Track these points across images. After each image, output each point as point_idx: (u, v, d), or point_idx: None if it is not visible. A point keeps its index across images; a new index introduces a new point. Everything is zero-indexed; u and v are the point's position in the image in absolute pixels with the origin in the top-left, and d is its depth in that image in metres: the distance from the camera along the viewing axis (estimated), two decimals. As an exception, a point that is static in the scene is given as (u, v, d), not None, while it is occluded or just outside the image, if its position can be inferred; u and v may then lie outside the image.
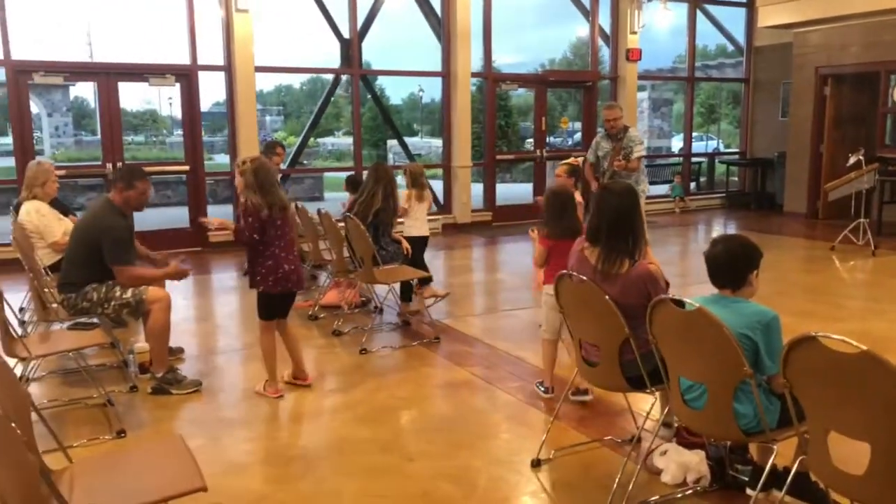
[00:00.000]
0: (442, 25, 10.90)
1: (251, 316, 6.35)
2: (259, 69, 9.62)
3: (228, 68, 9.50)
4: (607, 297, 3.02)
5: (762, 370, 2.66)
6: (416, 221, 6.32)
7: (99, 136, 10.61)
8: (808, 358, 2.23)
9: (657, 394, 3.25)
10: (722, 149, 21.21)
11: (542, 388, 4.34)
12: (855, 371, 2.09)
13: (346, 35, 10.43)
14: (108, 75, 9.04)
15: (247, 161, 4.23)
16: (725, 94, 25.64)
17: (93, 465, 2.43)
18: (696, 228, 11.63)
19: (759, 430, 2.64)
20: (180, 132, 13.57)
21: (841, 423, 2.22)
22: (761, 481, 2.65)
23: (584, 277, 3.14)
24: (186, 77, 9.37)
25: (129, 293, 4.31)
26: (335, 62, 10.80)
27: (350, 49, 10.43)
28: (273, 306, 4.37)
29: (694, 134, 22.96)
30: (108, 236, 4.31)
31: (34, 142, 9.32)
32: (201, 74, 9.48)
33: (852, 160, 9.01)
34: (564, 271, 3.26)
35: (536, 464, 3.46)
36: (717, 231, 11.48)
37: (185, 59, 9.35)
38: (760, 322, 2.67)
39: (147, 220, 9.85)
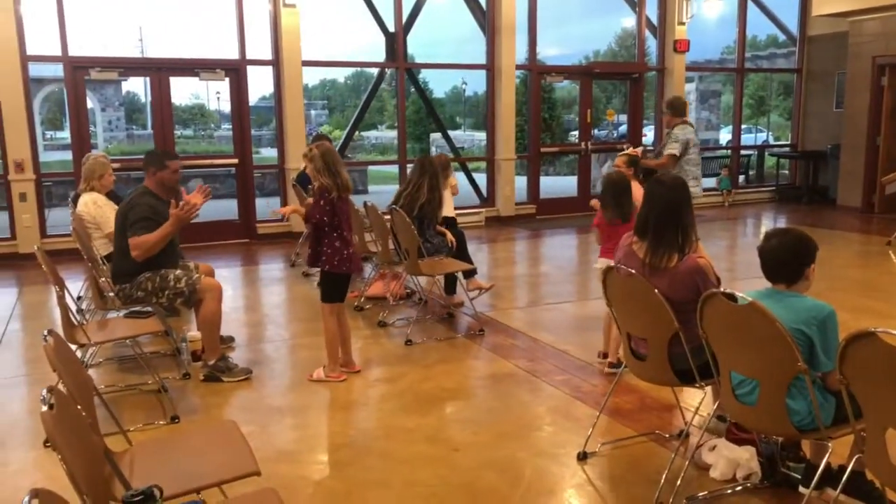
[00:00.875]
0: (487, 18, 10.88)
1: (299, 306, 6.47)
2: (306, 63, 9.73)
3: (276, 62, 9.64)
4: (656, 290, 3.00)
5: (817, 367, 2.61)
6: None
7: (150, 130, 10.84)
8: (867, 354, 2.18)
9: (707, 389, 3.21)
10: (771, 141, 20.74)
11: (607, 363, 4.58)
12: (916, 367, 2.04)
13: (392, 29, 10.48)
14: (160, 70, 9.26)
15: (313, 148, 4.46)
16: (776, 85, 25.05)
17: (151, 447, 2.52)
18: (745, 222, 11.41)
19: (813, 426, 2.59)
20: (228, 126, 13.83)
21: (900, 421, 2.17)
22: (815, 479, 2.60)
23: (632, 271, 3.12)
24: (235, 71, 9.53)
25: (182, 282, 4.42)
26: (380, 56, 10.86)
27: (395, 43, 10.48)
28: (338, 287, 4.53)
29: (744, 126, 22.56)
30: (133, 213, 4.38)
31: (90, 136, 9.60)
32: (249, 69, 9.64)
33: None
34: (612, 264, 3.24)
35: (583, 457, 3.46)
36: (767, 225, 11.25)
37: (233, 54, 9.52)
38: (816, 318, 2.62)
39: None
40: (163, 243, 4.35)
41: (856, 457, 2.43)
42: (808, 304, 2.68)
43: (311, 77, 52.23)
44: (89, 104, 33.06)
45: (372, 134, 37.73)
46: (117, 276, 4.45)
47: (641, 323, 3.20)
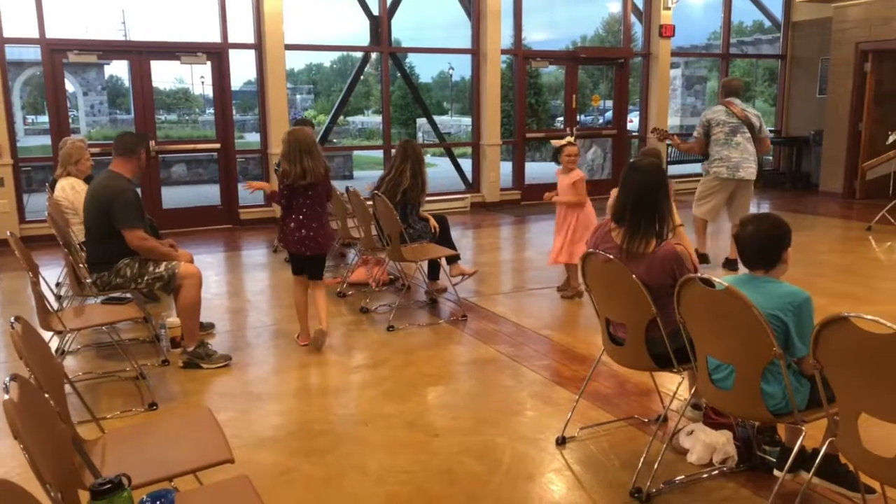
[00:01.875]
0: (472, 2, 10.80)
1: (282, 292, 6.44)
2: (289, 47, 9.63)
3: (259, 46, 9.53)
4: (635, 276, 2.99)
5: (793, 352, 2.62)
6: None
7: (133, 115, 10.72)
8: (840, 339, 2.19)
9: (684, 374, 3.22)
10: (757, 127, 20.79)
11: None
12: (887, 352, 2.05)
13: (376, 12, 10.39)
14: (141, 54, 9.13)
15: (286, 132, 4.76)
16: (761, 71, 25.07)
17: (124, 435, 2.49)
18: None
19: (788, 411, 2.60)
20: (212, 111, 13.69)
21: (872, 405, 2.18)
22: (789, 463, 2.62)
23: (610, 256, 3.11)
24: (217, 55, 9.42)
25: (161, 267, 4.37)
26: (365, 40, 10.77)
27: (379, 26, 10.38)
28: (293, 263, 4.92)
29: (728, 112, 22.58)
30: (120, 199, 4.30)
31: (71, 120, 9.47)
32: (232, 53, 9.53)
33: (892, 138, 8.79)
34: (591, 250, 3.24)
35: (561, 441, 3.47)
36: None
37: (216, 38, 9.40)
38: (792, 304, 2.62)
39: (179, 197, 10.00)
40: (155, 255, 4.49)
41: (829, 441, 2.44)
42: (784, 290, 2.69)
43: (297, 61, 51.95)
44: (71, 88, 32.65)
45: (358, 119, 37.52)
46: (94, 263, 4.39)
47: (619, 308, 3.20)
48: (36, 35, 8.44)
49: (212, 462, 2.22)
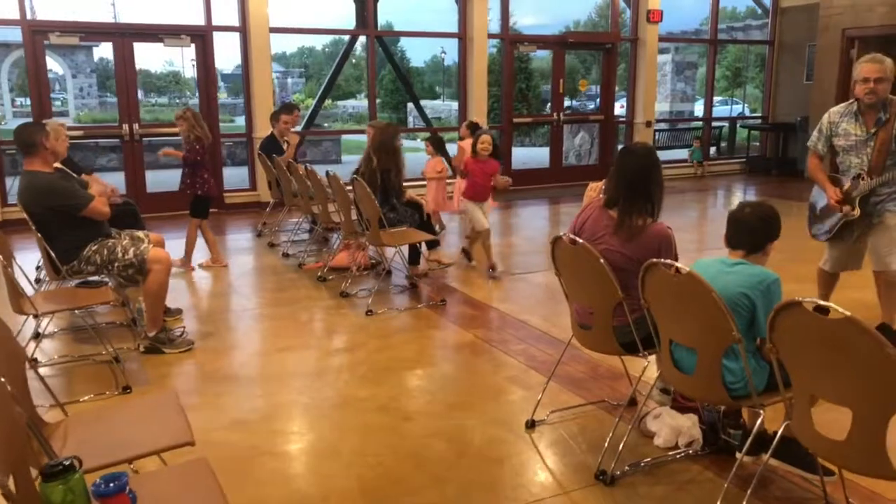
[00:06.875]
0: (459, -15, 10.74)
1: (265, 277, 6.45)
2: (274, 30, 9.57)
3: (243, 29, 9.47)
4: (602, 260, 3.01)
5: (759, 332, 2.65)
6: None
7: None
8: (794, 323, 2.22)
9: (650, 358, 3.25)
10: (748, 113, 20.79)
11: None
12: (838, 337, 2.07)
13: (362, -5, 10.33)
14: (123, 35, 9.06)
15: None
16: (754, 57, 25.00)
17: (87, 418, 2.50)
18: (715, 194, 11.48)
19: (747, 393, 2.63)
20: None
21: (823, 389, 2.21)
22: (746, 445, 2.66)
23: (578, 238, 3.13)
24: (201, 38, 9.35)
25: (130, 253, 4.35)
26: (353, 24, 10.70)
27: (365, 10, 10.32)
28: None
29: (719, 98, 22.49)
30: (55, 193, 4.23)
31: (60, 103, 9.40)
32: (219, 35, 9.46)
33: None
34: (560, 234, 3.25)
35: (531, 425, 3.50)
36: (737, 196, 11.32)
37: (200, 20, 9.33)
38: (762, 283, 2.65)
39: (162, 181, 9.94)
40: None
41: (785, 423, 2.47)
42: (755, 271, 2.72)
43: (290, 45, 51.49)
44: (59, 70, 32.35)
45: (350, 103, 37.32)
46: (62, 257, 4.32)
47: (587, 292, 3.22)
48: (17, 16, 8.35)
49: (171, 445, 2.24)
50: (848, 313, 2.01)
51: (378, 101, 27.12)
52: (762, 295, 2.62)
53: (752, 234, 2.78)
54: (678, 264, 2.68)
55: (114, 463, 2.13)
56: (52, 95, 10.68)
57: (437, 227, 7.97)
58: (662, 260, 2.74)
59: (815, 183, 4.67)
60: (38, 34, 8.53)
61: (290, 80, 42.79)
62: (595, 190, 3.54)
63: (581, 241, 3.12)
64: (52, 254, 4.25)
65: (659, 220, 3.20)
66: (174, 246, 7.32)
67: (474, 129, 7.47)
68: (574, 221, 3.38)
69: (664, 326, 2.84)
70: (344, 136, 19.02)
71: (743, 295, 2.62)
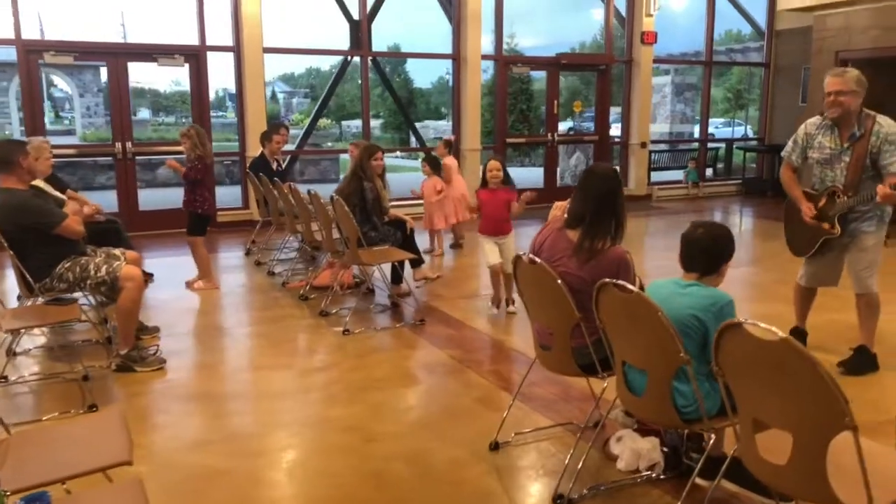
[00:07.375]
0: (453, 7, 10.82)
1: (252, 295, 6.45)
2: (267, 50, 9.64)
3: (237, 49, 9.54)
4: (559, 281, 2.99)
5: (709, 355, 2.61)
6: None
7: (134, 117, 10.69)
8: (736, 345, 2.19)
9: (610, 380, 3.21)
10: (751, 134, 20.78)
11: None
12: (776, 359, 2.05)
13: (356, 16, 10.41)
14: (117, 55, 9.14)
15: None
16: (757, 79, 24.98)
17: (29, 437, 2.48)
18: (711, 215, 11.43)
19: (699, 416, 2.60)
20: (217, 113, 13.67)
21: (765, 412, 2.18)
22: (698, 468, 2.62)
23: (536, 259, 3.11)
24: (195, 57, 9.43)
25: (102, 271, 4.35)
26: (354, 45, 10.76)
27: (359, 30, 10.40)
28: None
29: (721, 120, 22.49)
30: (28, 211, 4.22)
31: (68, 121, 9.47)
32: (213, 55, 9.54)
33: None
34: (520, 254, 3.24)
35: (495, 447, 3.46)
36: (732, 218, 11.29)
37: (194, 40, 9.41)
38: (714, 305, 2.63)
39: (156, 200, 10.01)
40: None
41: (735, 447, 2.44)
42: (707, 292, 2.69)
43: (297, 65, 51.86)
44: (69, 90, 32.60)
45: (355, 122, 37.49)
46: (35, 275, 4.31)
47: (546, 312, 3.20)
48: (12, 36, 8.45)
49: (109, 464, 2.22)
50: (783, 334, 1.99)
51: (381, 121, 27.27)
52: (714, 317, 2.60)
53: (705, 253, 2.76)
54: (630, 286, 2.66)
55: (47, 483, 2.10)
56: (62, 114, 10.72)
57: (435, 246, 8.01)
58: (614, 280, 2.72)
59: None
60: (32, 53, 8.62)
61: (295, 101, 43.08)
62: (560, 209, 3.53)
63: (539, 260, 3.11)
64: (25, 272, 4.26)
65: (618, 245, 3.18)
66: (170, 264, 7.39)
67: (450, 147, 7.98)
68: (533, 241, 3.36)
69: (618, 347, 2.82)
70: (342, 156, 19.10)
71: (694, 317, 2.60)
